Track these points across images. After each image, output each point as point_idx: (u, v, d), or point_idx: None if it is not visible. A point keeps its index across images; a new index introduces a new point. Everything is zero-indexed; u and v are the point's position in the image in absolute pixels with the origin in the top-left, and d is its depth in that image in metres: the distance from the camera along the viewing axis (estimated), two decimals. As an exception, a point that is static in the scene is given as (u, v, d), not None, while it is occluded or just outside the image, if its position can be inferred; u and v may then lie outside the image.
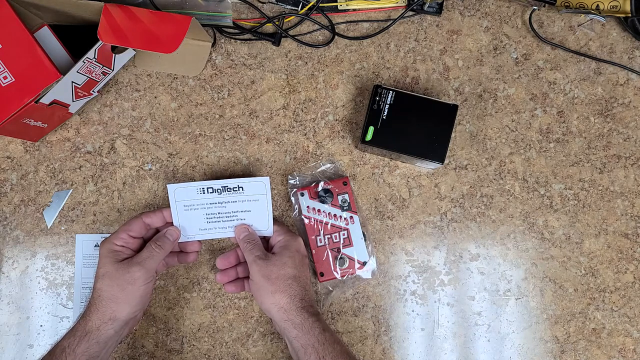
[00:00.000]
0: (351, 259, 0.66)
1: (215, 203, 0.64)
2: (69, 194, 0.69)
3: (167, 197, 0.63)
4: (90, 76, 0.64)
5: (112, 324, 0.58)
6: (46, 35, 0.64)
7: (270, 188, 0.64)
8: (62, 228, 0.69)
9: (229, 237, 0.66)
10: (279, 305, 0.59)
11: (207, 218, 0.64)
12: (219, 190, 0.64)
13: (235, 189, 0.64)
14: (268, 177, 0.64)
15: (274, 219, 0.65)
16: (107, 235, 0.68)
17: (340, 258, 0.66)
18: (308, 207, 0.66)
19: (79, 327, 0.57)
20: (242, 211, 0.64)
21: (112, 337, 0.58)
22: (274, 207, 0.68)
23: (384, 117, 0.63)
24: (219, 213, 0.64)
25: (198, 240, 0.66)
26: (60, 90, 0.61)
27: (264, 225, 0.64)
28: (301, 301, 0.59)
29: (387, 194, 0.68)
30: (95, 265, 0.67)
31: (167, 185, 0.64)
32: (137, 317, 0.62)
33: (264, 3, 0.70)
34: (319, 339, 0.57)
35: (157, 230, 0.64)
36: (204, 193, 0.64)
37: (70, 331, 0.58)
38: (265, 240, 0.66)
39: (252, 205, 0.64)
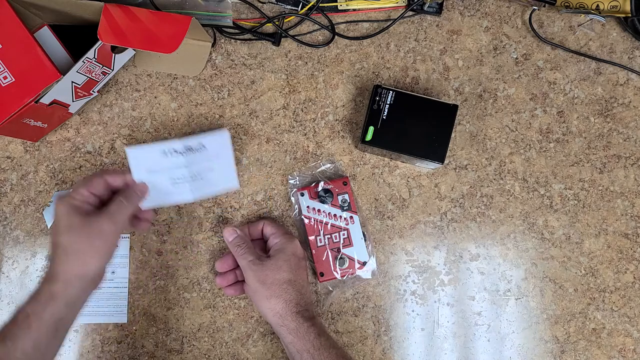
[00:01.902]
0: (351, 259, 0.66)
1: (180, 165, 0.62)
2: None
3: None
4: (90, 76, 0.64)
5: (80, 282, 0.54)
6: (46, 35, 0.64)
7: (231, 142, 0.63)
8: (62, 228, 0.68)
9: (195, 202, 0.65)
10: (274, 310, 0.58)
11: (172, 181, 0.62)
12: (180, 151, 0.62)
13: (196, 148, 0.62)
14: (226, 129, 0.63)
15: (271, 219, 0.65)
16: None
17: (340, 258, 0.66)
18: (308, 207, 0.66)
19: (43, 290, 0.53)
20: (206, 170, 0.63)
21: (80, 297, 0.55)
22: (274, 207, 0.68)
23: (384, 117, 0.63)
24: (183, 175, 0.62)
25: (152, 209, 0.64)
26: (60, 90, 0.61)
27: (230, 179, 0.63)
28: (296, 306, 0.59)
29: (387, 194, 0.68)
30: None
31: (126, 149, 0.61)
32: (101, 275, 0.58)
33: (264, 3, 0.70)
34: (314, 344, 0.57)
35: (114, 193, 0.61)
36: (165, 155, 0.61)
37: (32, 296, 0.53)
38: (263, 241, 0.66)
39: (216, 163, 0.63)
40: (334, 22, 0.70)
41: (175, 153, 0.61)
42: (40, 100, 0.60)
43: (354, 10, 0.70)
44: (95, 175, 0.59)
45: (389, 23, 0.70)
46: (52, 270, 0.54)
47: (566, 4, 0.69)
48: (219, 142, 0.63)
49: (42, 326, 0.52)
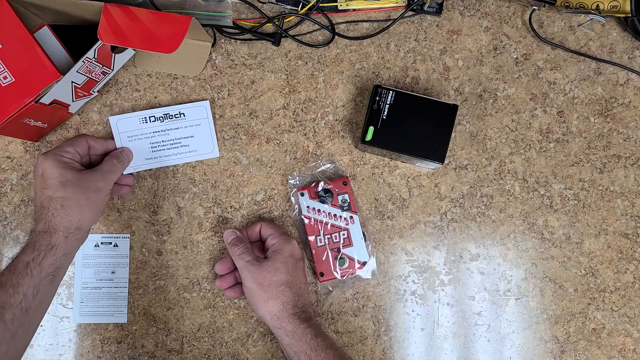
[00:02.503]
0: (351, 259, 0.66)
1: (158, 131, 0.67)
2: (69, 194, 0.69)
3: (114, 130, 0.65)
4: (90, 76, 0.64)
5: (78, 233, 0.57)
6: (46, 35, 0.64)
7: (211, 111, 0.66)
8: (62, 228, 0.68)
9: (175, 165, 0.68)
10: (271, 312, 0.58)
11: (151, 147, 0.67)
12: (161, 118, 0.66)
13: (176, 116, 0.66)
14: (208, 101, 0.67)
15: (269, 220, 0.65)
16: (108, 234, 0.68)
17: (340, 258, 0.66)
18: (308, 207, 0.66)
19: (42, 240, 0.56)
20: (185, 137, 0.67)
21: (75, 248, 0.58)
22: (274, 207, 0.68)
23: (384, 117, 0.63)
24: (162, 141, 0.67)
25: (131, 174, 0.67)
26: (60, 90, 0.61)
27: (209, 148, 0.67)
28: (293, 307, 0.59)
29: (387, 194, 0.68)
30: (94, 265, 0.67)
31: (109, 117, 0.66)
32: (89, 231, 0.61)
33: (264, 3, 0.70)
34: (311, 345, 0.57)
35: (90, 161, 0.65)
36: (146, 122, 0.66)
37: (30, 247, 0.56)
38: (262, 242, 0.65)
39: (195, 130, 0.67)
40: (334, 22, 0.70)
41: (155, 120, 0.66)
42: (40, 100, 0.60)
43: (354, 10, 0.70)
44: (78, 137, 0.62)
45: (389, 23, 0.70)
46: (49, 223, 0.56)
47: (566, 4, 0.69)
48: (199, 111, 0.67)
49: (42, 273, 0.55)
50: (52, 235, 0.56)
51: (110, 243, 0.68)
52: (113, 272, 0.68)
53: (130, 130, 0.67)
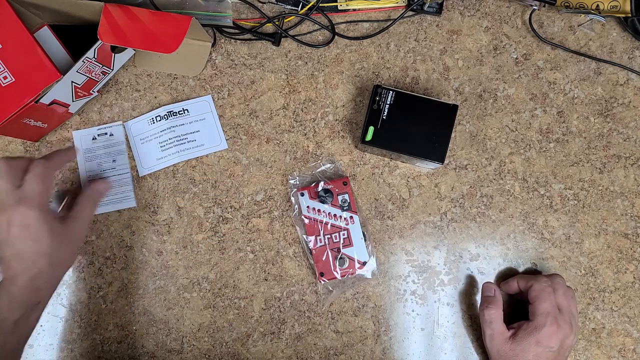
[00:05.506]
0: (351, 259, 0.66)
1: (165, 130, 0.68)
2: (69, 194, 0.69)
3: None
4: (90, 76, 0.64)
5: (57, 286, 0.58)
6: (46, 35, 0.64)
7: (214, 105, 0.67)
8: (62, 228, 0.68)
9: (179, 163, 0.68)
10: None
11: (160, 146, 0.68)
12: (165, 117, 0.68)
13: (180, 113, 0.68)
14: (210, 95, 0.68)
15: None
16: (102, 125, 0.70)
17: (340, 258, 0.66)
18: (308, 207, 0.66)
19: (27, 302, 0.53)
20: (191, 132, 0.68)
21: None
22: (274, 207, 0.68)
23: (384, 117, 0.63)
24: (170, 139, 0.68)
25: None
26: (60, 90, 0.61)
27: (216, 141, 0.68)
28: None
29: (387, 194, 0.68)
30: (97, 156, 0.68)
31: (125, 123, 0.68)
32: None
33: (264, 3, 0.70)
34: None
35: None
36: (153, 123, 0.68)
37: (15, 304, 0.53)
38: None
39: (200, 125, 0.68)
40: (334, 22, 0.70)
41: (160, 119, 0.68)
42: (40, 100, 0.60)
43: (354, 10, 0.70)
44: (45, 171, 0.55)
45: (389, 23, 0.70)
46: (37, 282, 0.53)
47: (566, 4, 0.69)
48: (202, 106, 0.68)
49: (28, 330, 0.55)
50: (38, 295, 0.54)
51: (106, 133, 0.69)
52: (114, 160, 0.68)
53: (141, 133, 0.68)
